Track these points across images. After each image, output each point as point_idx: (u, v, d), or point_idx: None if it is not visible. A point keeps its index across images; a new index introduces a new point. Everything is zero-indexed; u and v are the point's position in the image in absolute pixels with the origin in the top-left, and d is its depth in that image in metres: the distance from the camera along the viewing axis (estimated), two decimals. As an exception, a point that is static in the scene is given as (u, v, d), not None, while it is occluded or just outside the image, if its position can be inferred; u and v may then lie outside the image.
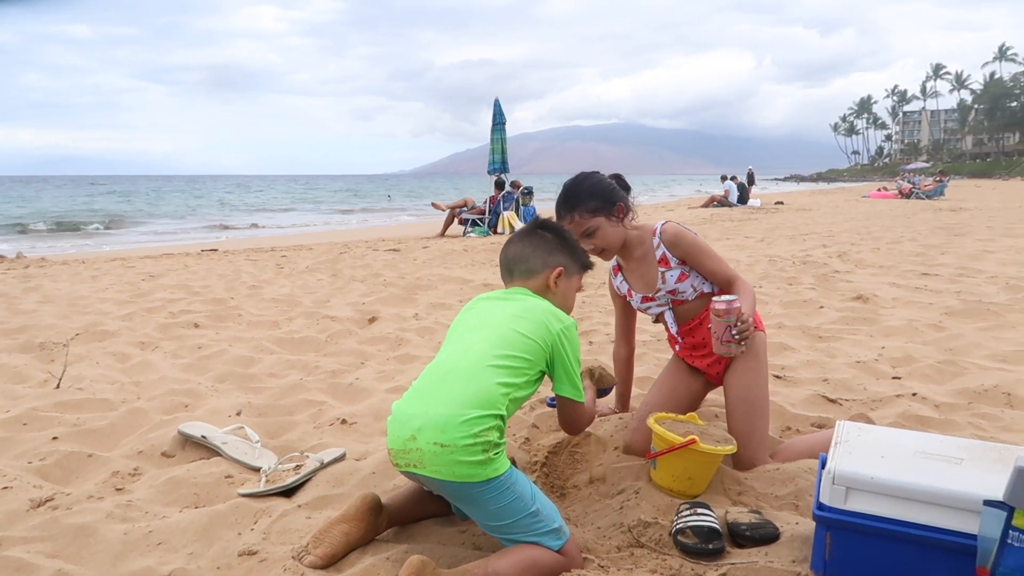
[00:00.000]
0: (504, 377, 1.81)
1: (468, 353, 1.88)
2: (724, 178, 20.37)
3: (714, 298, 2.26)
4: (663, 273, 2.52)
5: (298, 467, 2.43)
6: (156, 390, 3.34)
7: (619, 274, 2.69)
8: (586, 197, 2.46)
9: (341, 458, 2.52)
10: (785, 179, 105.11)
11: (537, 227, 2.19)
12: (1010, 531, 1.33)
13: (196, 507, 2.23)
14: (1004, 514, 1.33)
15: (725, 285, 2.48)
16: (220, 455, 2.57)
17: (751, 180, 21.30)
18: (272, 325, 4.82)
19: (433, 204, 16.44)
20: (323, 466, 2.43)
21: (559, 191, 2.53)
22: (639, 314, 2.75)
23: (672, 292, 2.54)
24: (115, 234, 17.92)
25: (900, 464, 1.61)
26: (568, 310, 2.12)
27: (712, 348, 2.33)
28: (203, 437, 2.64)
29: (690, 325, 2.61)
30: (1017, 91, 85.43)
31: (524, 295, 2.06)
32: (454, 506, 2.05)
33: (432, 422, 1.75)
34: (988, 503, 1.38)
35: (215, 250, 10.69)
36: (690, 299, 2.54)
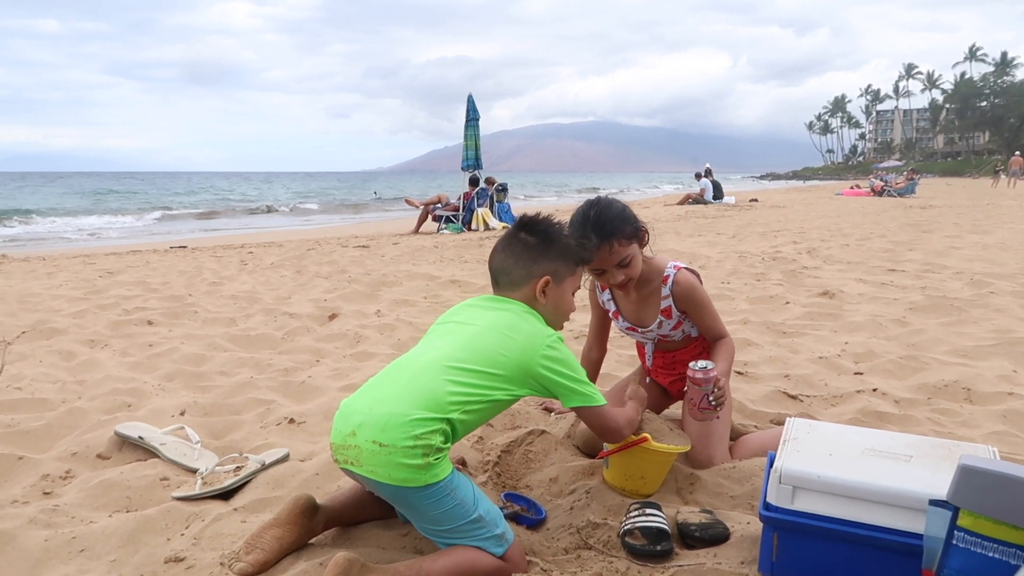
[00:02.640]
0: (460, 386, 1.70)
1: (428, 354, 1.79)
2: (699, 176, 20.41)
3: (690, 365, 2.20)
4: (662, 321, 2.47)
5: (238, 468, 2.33)
6: (99, 389, 3.22)
7: (606, 291, 2.60)
8: (620, 223, 2.28)
9: (284, 459, 2.42)
10: (762, 177, 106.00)
11: (519, 230, 1.97)
12: (955, 531, 1.27)
13: (127, 511, 2.13)
14: (949, 514, 1.28)
15: (713, 340, 2.45)
16: (157, 457, 2.47)
17: (708, 177, 21.35)
18: (228, 322, 4.70)
19: (407, 201, 16.31)
20: (264, 467, 2.34)
21: (578, 218, 2.30)
22: None
23: (663, 335, 2.52)
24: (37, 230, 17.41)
25: (848, 462, 1.55)
26: (564, 318, 1.99)
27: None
28: (140, 438, 2.53)
29: (666, 359, 2.60)
30: (987, 91, 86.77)
31: (510, 307, 1.89)
32: (399, 512, 1.97)
33: (374, 420, 1.66)
34: (933, 503, 1.33)
35: (184, 247, 10.50)
36: (676, 340, 2.54)
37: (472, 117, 14.39)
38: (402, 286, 6.11)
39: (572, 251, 1.98)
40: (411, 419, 1.63)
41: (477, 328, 1.83)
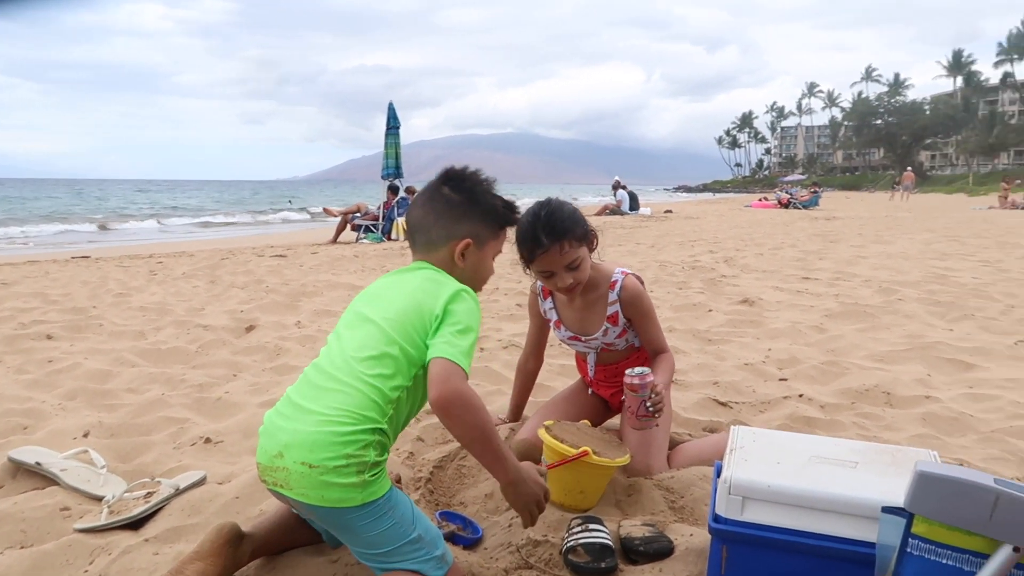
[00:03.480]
0: (383, 381, 1.56)
1: (342, 354, 1.63)
2: (616, 188, 20.77)
3: (627, 371, 2.15)
4: (607, 328, 2.41)
5: (149, 495, 2.15)
6: (-11, 411, 2.94)
7: (549, 299, 2.54)
8: (571, 224, 2.23)
9: (201, 482, 2.25)
10: (675, 189, 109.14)
11: (443, 184, 1.80)
12: (909, 539, 1.26)
13: (21, 547, 1.92)
14: (903, 521, 1.26)
15: (653, 353, 2.41)
16: (57, 484, 2.25)
17: (616, 189, 21.85)
18: (137, 335, 4.41)
19: (325, 210, 15.93)
20: (178, 492, 2.16)
21: (528, 218, 2.23)
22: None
23: (607, 344, 2.46)
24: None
25: (796, 470, 1.53)
26: (482, 283, 1.84)
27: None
28: (37, 464, 2.30)
29: (608, 371, 2.55)
30: (881, 110, 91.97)
31: (420, 271, 1.75)
32: (324, 532, 1.84)
33: (300, 439, 1.52)
34: (887, 510, 1.31)
35: (87, 256, 9.91)
36: (620, 349, 2.49)
37: (393, 125, 14.19)
38: (323, 296, 5.91)
39: (498, 212, 1.82)
40: (341, 435, 1.50)
41: (388, 305, 1.67)
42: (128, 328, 4.59)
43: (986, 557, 1.19)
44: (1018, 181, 34.89)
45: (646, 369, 2.17)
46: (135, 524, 2.03)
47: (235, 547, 1.68)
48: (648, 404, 2.13)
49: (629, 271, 2.41)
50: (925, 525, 1.24)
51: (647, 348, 2.45)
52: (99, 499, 2.16)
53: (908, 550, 1.26)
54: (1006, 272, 6.96)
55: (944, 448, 2.59)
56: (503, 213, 1.83)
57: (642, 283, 2.43)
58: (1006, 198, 24.96)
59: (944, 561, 1.23)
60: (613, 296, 2.37)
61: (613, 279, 2.37)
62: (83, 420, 2.84)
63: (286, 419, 1.59)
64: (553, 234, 2.19)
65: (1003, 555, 1.16)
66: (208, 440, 2.67)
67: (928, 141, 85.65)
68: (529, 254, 2.25)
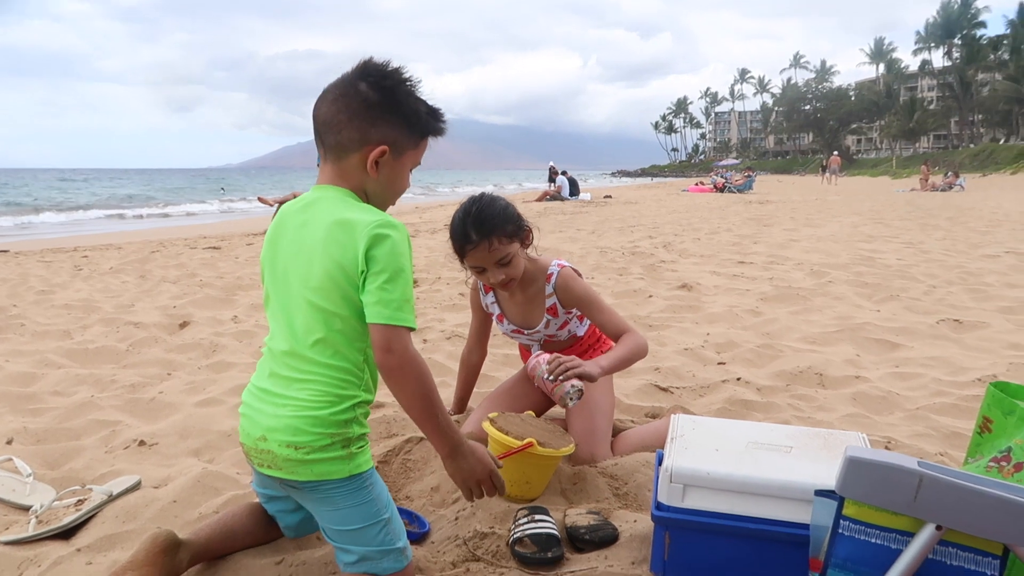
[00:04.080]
0: (343, 355, 1.52)
1: (294, 343, 1.55)
2: (553, 173, 20.88)
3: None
4: (548, 320, 2.43)
5: (80, 502, 2.07)
6: (-97, 419, 2.78)
7: (490, 294, 2.54)
8: (501, 220, 2.22)
9: (135, 487, 2.18)
10: (613, 174, 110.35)
11: (361, 79, 1.55)
12: (841, 520, 1.31)
13: (-58, 563, 1.83)
14: (835, 503, 1.31)
15: (615, 337, 2.36)
16: (-20, 495, 2.15)
17: (552, 175, 22.03)
18: (62, 335, 4.23)
19: (260, 199, 15.56)
20: (112, 498, 2.09)
21: (460, 214, 2.24)
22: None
23: (550, 335, 2.47)
24: None
25: (734, 457, 1.58)
26: (396, 196, 1.68)
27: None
28: (-43, 474, 2.19)
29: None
30: (810, 95, 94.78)
31: (323, 212, 1.55)
32: (284, 525, 1.81)
33: (283, 424, 1.51)
34: (819, 493, 1.36)
35: (5, 251, 9.44)
36: (563, 339, 2.50)
37: (328, 112, 13.90)
38: (260, 289, 5.77)
39: (420, 119, 1.61)
40: (322, 419, 1.49)
41: (308, 270, 1.53)
42: (52, 327, 4.40)
43: (912, 536, 1.25)
44: (937, 166, 36.48)
45: (536, 353, 2.23)
46: (66, 533, 1.95)
47: (172, 556, 1.63)
48: (548, 377, 2.13)
49: (566, 264, 2.43)
50: (855, 507, 1.29)
51: (607, 335, 2.39)
52: (26, 509, 2.07)
53: (840, 531, 1.31)
54: (927, 253, 7.27)
55: (873, 426, 2.70)
56: (426, 120, 1.62)
57: (579, 275, 2.45)
58: (926, 180, 26.08)
59: (873, 540, 1.28)
60: (549, 289, 2.39)
61: (549, 272, 2.39)
62: (6, 426, 2.71)
63: (265, 403, 1.56)
64: (482, 230, 2.20)
65: (926, 533, 1.22)
66: (142, 443, 2.58)
67: (854, 126, 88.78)
68: (460, 249, 2.27)
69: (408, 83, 1.59)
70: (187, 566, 1.70)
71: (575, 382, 2.12)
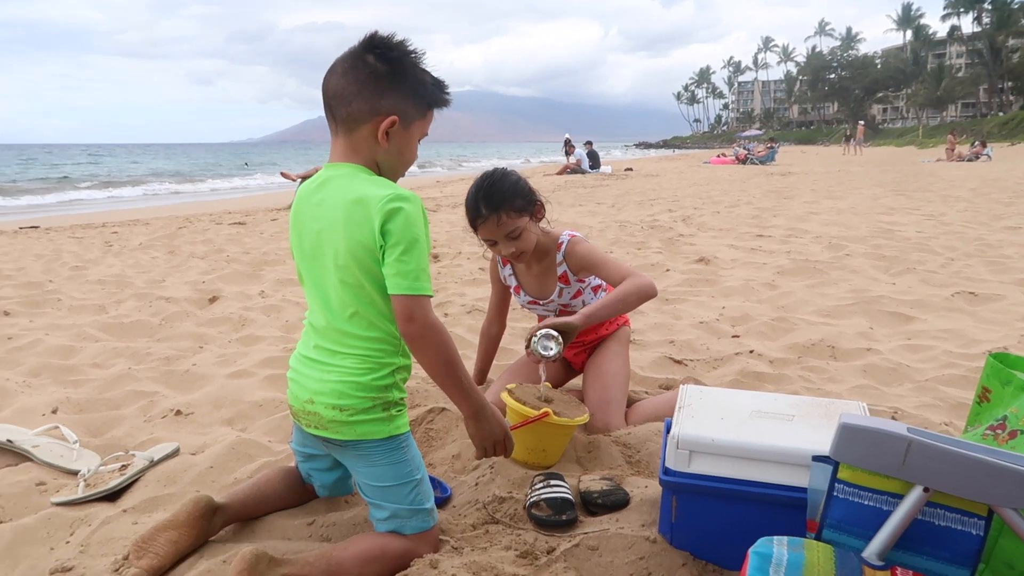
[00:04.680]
0: (377, 326, 1.63)
1: (331, 318, 1.66)
2: (568, 146, 20.80)
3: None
4: (561, 288, 2.51)
5: (124, 467, 2.21)
6: (-47, 390, 2.94)
7: (508, 266, 2.63)
8: (512, 194, 2.32)
9: (174, 454, 2.32)
10: (637, 145, 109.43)
11: (368, 52, 1.60)
12: (836, 484, 1.39)
13: (1, 522, 1.97)
14: (830, 468, 1.40)
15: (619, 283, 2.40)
16: (31, 460, 2.29)
17: (567, 148, 21.90)
18: (98, 309, 4.39)
19: (283, 174, 15.71)
20: (153, 464, 2.23)
21: (472, 189, 2.34)
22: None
23: (564, 305, 2.54)
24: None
25: (738, 425, 1.66)
26: (405, 167, 1.73)
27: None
28: (9, 441, 2.34)
29: None
30: (835, 64, 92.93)
31: (340, 190, 1.62)
32: (319, 484, 1.95)
33: (329, 388, 1.64)
34: (816, 458, 1.44)
35: (36, 227, 9.67)
36: (578, 311, 2.54)
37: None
38: (285, 264, 5.91)
39: (427, 89, 1.66)
40: (364, 384, 1.63)
41: (332, 247, 1.61)
42: (88, 302, 4.56)
43: (902, 498, 1.33)
44: (964, 135, 35.76)
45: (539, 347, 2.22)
46: (112, 496, 2.10)
47: (208, 518, 1.76)
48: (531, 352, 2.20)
49: (577, 233, 2.51)
50: (849, 471, 1.37)
51: (613, 287, 2.42)
52: (74, 473, 2.22)
53: (835, 494, 1.39)
54: (948, 225, 7.24)
55: (882, 397, 2.77)
56: (432, 91, 1.67)
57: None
58: (952, 150, 25.61)
59: (866, 503, 1.37)
60: (559, 257, 2.49)
61: (560, 241, 2.49)
62: (50, 396, 2.87)
63: (312, 369, 1.69)
64: (491, 204, 2.29)
65: (915, 495, 1.30)
66: (179, 412, 2.72)
67: (879, 95, 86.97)
68: (472, 222, 2.38)
69: (413, 54, 1.64)
70: (221, 527, 1.83)
71: (542, 331, 2.17)
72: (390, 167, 1.69)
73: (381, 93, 1.59)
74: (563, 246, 2.48)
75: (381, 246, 1.56)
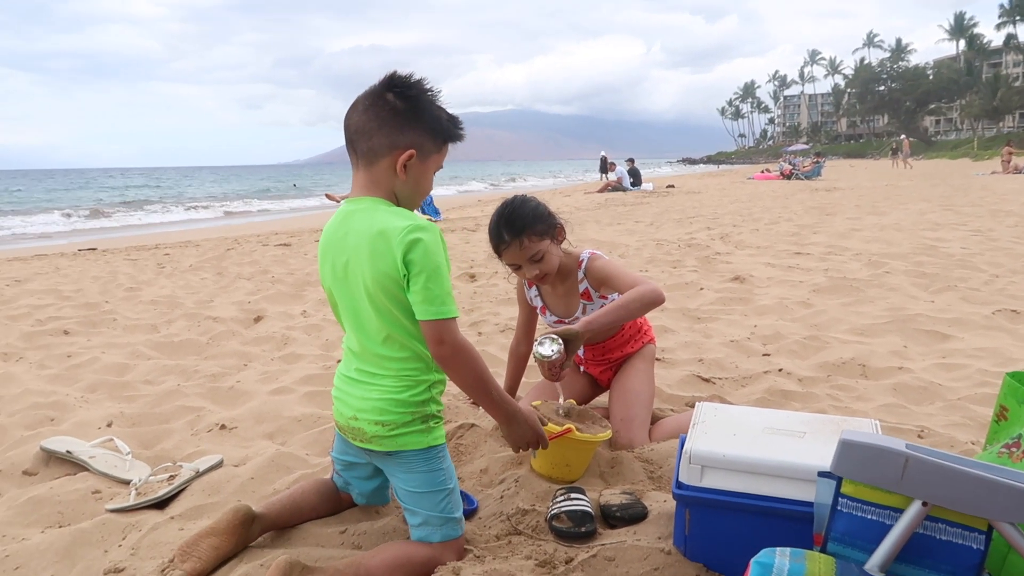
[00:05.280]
0: (410, 348, 1.75)
1: (367, 344, 1.78)
2: (607, 163, 20.89)
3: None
4: (584, 305, 2.60)
5: (171, 477, 2.35)
6: (18, 404, 3.14)
7: (533, 288, 2.72)
8: (532, 220, 2.42)
9: (218, 465, 2.45)
10: (680, 161, 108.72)
11: (387, 90, 1.71)
12: (839, 498, 1.44)
13: (60, 526, 2.13)
14: (834, 483, 1.44)
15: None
16: (87, 470, 2.46)
17: (604, 166, 21.92)
18: (150, 329, 4.61)
19: (327, 196, 16.08)
20: (198, 475, 2.36)
21: (494, 216, 2.45)
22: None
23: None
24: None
25: (749, 441, 1.71)
26: (421, 198, 1.83)
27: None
28: (68, 452, 2.51)
29: (596, 351, 2.74)
30: (884, 76, 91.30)
31: (361, 224, 1.72)
32: (358, 491, 2.06)
33: (371, 405, 1.78)
34: (821, 474, 1.49)
35: (93, 249, 10.11)
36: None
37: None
38: (327, 284, 6.09)
39: (441, 125, 1.77)
40: (404, 401, 1.76)
41: (358, 276, 1.72)
42: (141, 322, 4.79)
43: (902, 512, 1.37)
44: (1021, 148, 34.73)
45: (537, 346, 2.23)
46: (161, 504, 2.24)
47: (247, 527, 1.89)
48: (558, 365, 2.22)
49: (597, 251, 2.61)
50: (852, 486, 1.42)
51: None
52: (126, 483, 2.36)
53: (839, 508, 1.44)
54: (995, 241, 7.10)
55: (909, 416, 2.77)
56: (447, 127, 1.78)
57: None
58: (1009, 162, 24.91)
59: (869, 516, 1.41)
60: (581, 275, 2.57)
61: (580, 259, 2.58)
62: (105, 411, 3.04)
63: (354, 387, 1.83)
64: (513, 230, 2.40)
65: (914, 509, 1.34)
66: (223, 426, 2.87)
67: (932, 106, 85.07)
68: (496, 248, 2.48)
69: (430, 92, 1.75)
70: (259, 534, 1.95)
71: (544, 337, 2.21)
72: (407, 197, 1.79)
73: (400, 129, 1.70)
74: (583, 263, 2.57)
75: (404, 275, 1.67)
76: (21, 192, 38.12)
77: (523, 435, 1.89)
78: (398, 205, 1.78)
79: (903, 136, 41.90)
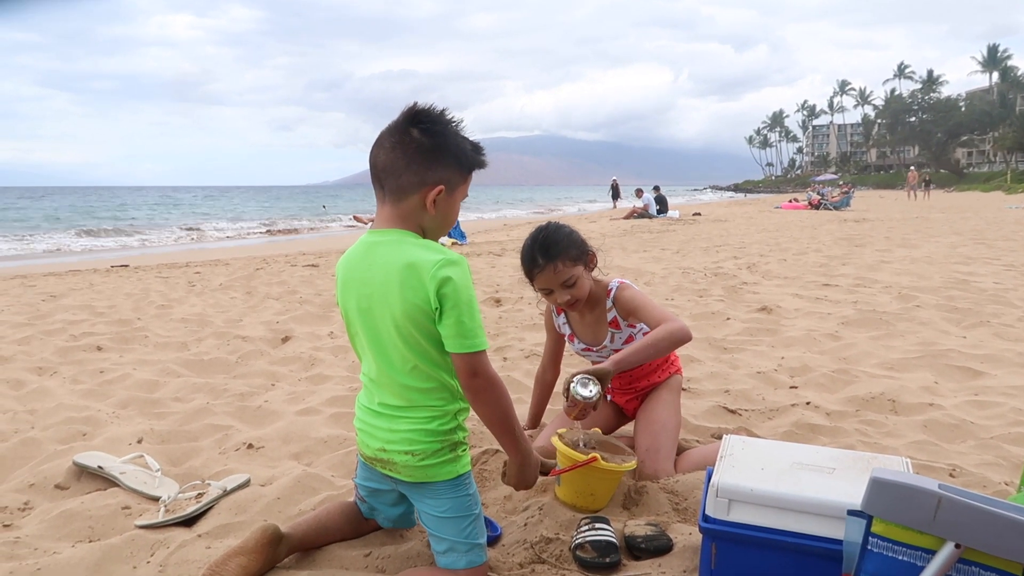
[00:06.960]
0: (436, 378, 1.77)
1: (392, 374, 1.79)
2: (640, 192, 20.93)
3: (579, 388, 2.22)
4: (612, 334, 2.61)
5: (199, 495, 2.38)
6: (52, 418, 3.20)
7: (562, 315, 2.74)
8: (567, 245, 2.45)
9: (245, 484, 2.48)
10: (705, 189, 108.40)
11: (412, 126, 1.71)
12: (870, 537, 1.42)
13: (90, 541, 2.16)
14: (864, 522, 1.43)
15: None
16: (118, 486, 2.49)
17: (615, 193, 21.94)
18: (180, 347, 4.69)
19: (355, 217, 16.29)
20: (226, 493, 2.39)
21: (528, 240, 2.49)
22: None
23: (616, 350, 2.60)
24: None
25: (777, 476, 1.70)
26: (449, 227, 1.87)
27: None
28: (99, 467, 2.55)
29: (623, 380, 2.74)
30: (915, 107, 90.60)
31: (390, 257, 1.72)
32: (384, 516, 2.07)
33: (399, 437, 1.79)
34: (851, 512, 1.48)
35: (126, 266, 10.31)
36: None
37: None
38: (354, 306, 6.14)
39: (467, 156, 1.78)
40: (432, 431, 1.77)
41: (385, 309, 1.73)
42: (172, 340, 4.86)
43: (935, 553, 1.35)
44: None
45: (578, 386, 2.24)
46: (189, 521, 2.26)
47: (274, 547, 1.90)
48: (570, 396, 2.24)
49: (625, 280, 2.62)
50: (883, 525, 1.40)
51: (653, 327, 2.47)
52: (156, 499, 2.40)
53: (869, 547, 1.42)
54: (1029, 277, 6.98)
55: (940, 454, 2.72)
56: (472, 157, 1.79)
57: None
58: (1043, 197, 24.54)
59: (900, 557, 1.39)
60: (609, 303, 2.59)
61: (609, 288, 2.59)
62: (136, 427, 3.09)
63: (380, 419, 1.84)
64: (548, 255, 2.43)
65: (946, 551, 1.32)
66: (250, 446, 2.90)
67: (964, 138, 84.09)
68: (529, 273, 2.50)
69: (453, 124, 1.76)
70: (285, 555, 1.97)
71: (579, 376, 2.22)
72: (435, 230, 1.82)
73: (428, 166, 1.71)
74: (612, 292, 2.58)
75: (436, 308, 1.69)
76: (68, 208, 38.84)
77: (525, 480, 1.92)
78: (424, 237, 1.80)
79: (912, 168, 41.55)
